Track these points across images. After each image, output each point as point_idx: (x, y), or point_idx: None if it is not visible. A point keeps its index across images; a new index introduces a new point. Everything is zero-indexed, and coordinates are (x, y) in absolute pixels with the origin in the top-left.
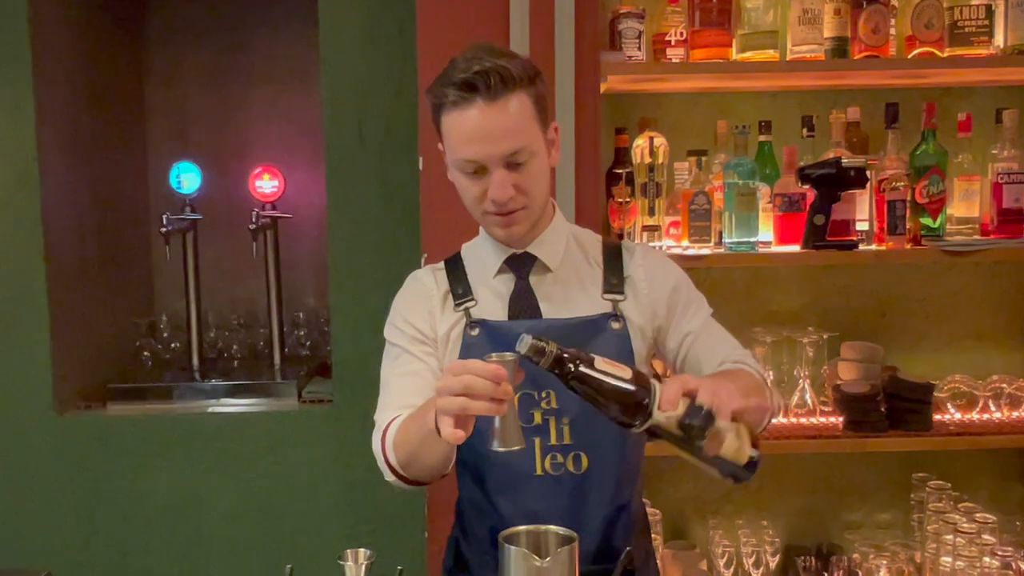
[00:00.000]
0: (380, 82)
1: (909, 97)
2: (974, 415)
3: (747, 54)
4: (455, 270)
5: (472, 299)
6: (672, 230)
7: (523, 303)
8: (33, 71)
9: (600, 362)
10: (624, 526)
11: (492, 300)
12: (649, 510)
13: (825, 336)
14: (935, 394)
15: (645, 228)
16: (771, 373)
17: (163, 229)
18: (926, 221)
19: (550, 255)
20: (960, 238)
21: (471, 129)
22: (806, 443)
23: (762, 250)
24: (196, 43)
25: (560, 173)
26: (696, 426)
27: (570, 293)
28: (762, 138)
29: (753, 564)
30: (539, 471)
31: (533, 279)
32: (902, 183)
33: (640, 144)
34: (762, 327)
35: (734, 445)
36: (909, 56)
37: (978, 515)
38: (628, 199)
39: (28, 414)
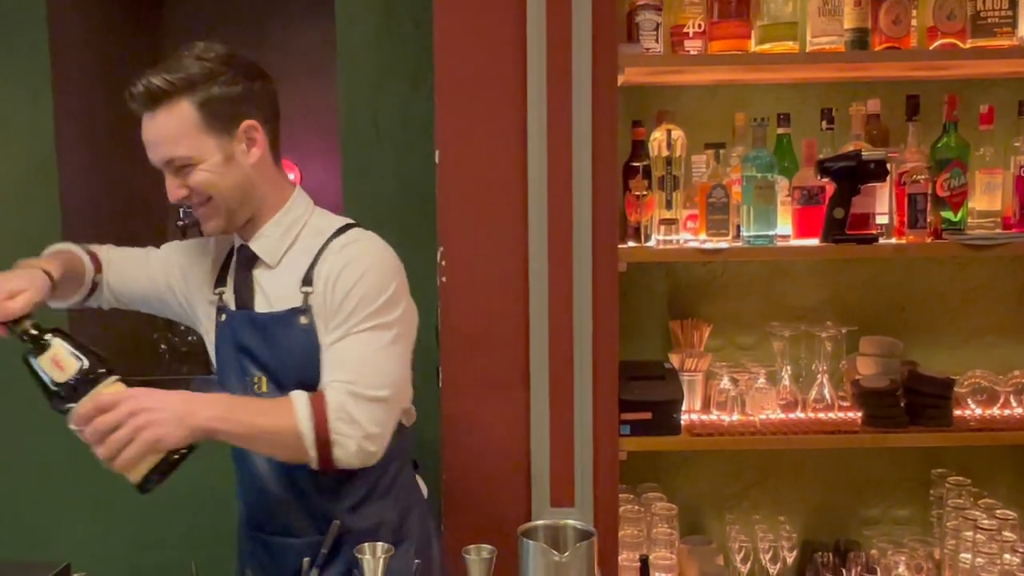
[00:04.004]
0: (396, 75)
1: (930, 89)
2: (995, 410)
3: (766, 46)
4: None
5: (224, 287)
6: (690, 223)
7: (244, 295)
8: (52, 65)
9: (58, 351)
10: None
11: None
12: (665, 504)
13: (844, 331)
14: (955, 389)
15: (662, 221)
16: (789, 368)
17: (179, 222)
18: (947, 215)
19: (267, 250)
20: (982, 232)
21: (144, 137)
22: (824, 438)
23: (780, 244)
24: (212, 37)
25: (576, 166)
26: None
27: (281, 285)
28: (781, 131)
29: (770, 559)
30: None
31: (258, 271)
32: (923, 176)
33: (657, 137)
34: (780, 321)
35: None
36: (930, 47)
37: (998, 511)
38: (645, 192)
39: (45, 407)
